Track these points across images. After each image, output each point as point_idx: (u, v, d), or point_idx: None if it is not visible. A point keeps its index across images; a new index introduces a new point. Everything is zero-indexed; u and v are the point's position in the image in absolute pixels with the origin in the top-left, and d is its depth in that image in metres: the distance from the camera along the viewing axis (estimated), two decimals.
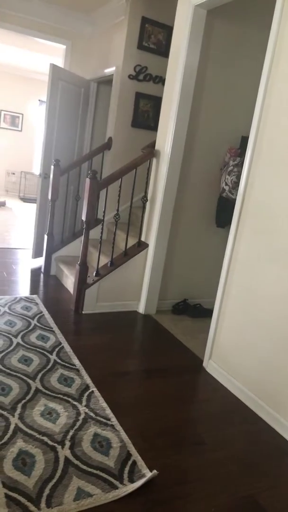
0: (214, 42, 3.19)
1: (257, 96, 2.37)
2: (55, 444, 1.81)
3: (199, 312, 3.62)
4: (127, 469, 1.74)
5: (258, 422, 2.26)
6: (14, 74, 8.59)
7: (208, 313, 3.52)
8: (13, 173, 9.12)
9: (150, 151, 3.33)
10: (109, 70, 4.27)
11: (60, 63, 4.90)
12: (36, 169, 9.12)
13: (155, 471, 1.74)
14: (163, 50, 4.14)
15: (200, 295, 3.80)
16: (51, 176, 4.02)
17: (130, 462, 1.78)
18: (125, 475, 1.70)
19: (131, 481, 1.68)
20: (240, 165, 3.20)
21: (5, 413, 1.97)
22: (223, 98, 3.36)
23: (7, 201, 8.09)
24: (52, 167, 4.00)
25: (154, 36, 4.09)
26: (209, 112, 3.35)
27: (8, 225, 6.21)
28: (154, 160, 3.36)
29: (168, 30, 4.08)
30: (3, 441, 1.78)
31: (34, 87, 8.79)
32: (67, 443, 1.83)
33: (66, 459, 1.74)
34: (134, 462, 1.78)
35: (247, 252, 2.44)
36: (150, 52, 4.12)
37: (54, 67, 4.07)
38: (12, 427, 1.88)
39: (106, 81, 4.62)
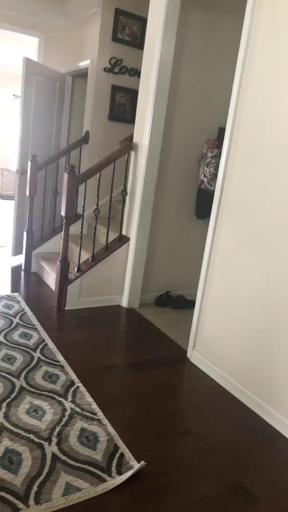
0: (189, 32, 3.19)
1: (233, 86, 2.38)
2: (42, 441, 1.80)
3: (181, 303, 3.64)
4: (115, 461, 1.75)
5: (242, 409, 2.30)
6: None
7: (191, 304, 3.55)
8: None
9: (128, 144, 3.31)
10: (84, 63, 4.22)
11: (34, 56, 4.81)
12: (13, 165, 8.97)
13: (142, 462, 1.75)
14: (138, 42, 4.11)
15: (182, 286, 3.83)
16: (29, 172, 3.97)
17: (117, 455, 1.79)
18: (113, 468, 1.71)
19: (119, 473, 1.69)
20: (218, 156, 3.22)
21: None
22: (199, 89, 3.37)
23: None
24: (29, 162, 3.95)
25: (128, 28, 4.06)
26: (186, 104, 3.35)
27: None
28: (132, 153, 3.35)
29: (142, 21, 4.05)
30: None
31: (7, 81, 8.60)
32: (54, 440, 1.82)
33: (54, 455, 1.73)
34: (122, 455, 1.79)
35: (227, 242, 2.46)
36: (125, 44, 4.08)
37: (27, 61, 4.00)
38: None
39: (81, 75, 4.57)
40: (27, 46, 5.11)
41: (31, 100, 4.15)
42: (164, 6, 2.94)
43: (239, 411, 2.27)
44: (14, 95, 8.73)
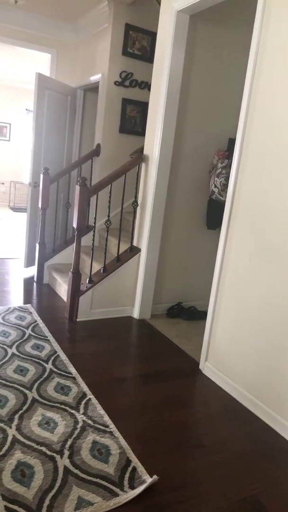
0: (198, 45, 3.22)
1: (242, 97, 2.39)
2: (54, 454, 1.80)
3: (193, 314, 3.62)
4: (127, 475, 1.73)
5: (256, 422, 2.26)
6: (0, 84, 8.58)
7: (203, 315, 3.52)
8: (3, 183, 9.09)
9: (139, 156, 3.34)
10: (95, 77, 4.29)
11: (46, 71, 4.91)
12: (26, 178, 9.10)
13: (155, 477, 1.73)
14: (147, 56, 4.16)
15: (194, 297, 3.81)
16: (41, 184, 4.02)
17: (130, 469, 1.77)
18: (126, 482, 1.69)
19: (132, 487, 1.67)
20: (228, 167, 3.22)
21: (2, 424, 1.95)
22: (209, 101, 3.39)
23: None
24: (42, 175, 4.00)
25: (138, 42, 4.12)
26: (196, 116, 3.37)
27: None
28: (143, 165, 3.38)
29: (152, 36, 4.11)
30: (1, 453, 1.77)
31: (21, 96, 8.78)
32: (66, 452, 1.82)
33: (66, 468, 1.73)
34: (134, 468, 1.77)
35: (239, 253, 2.45)
36: (135, 58, 4.14)
37: (40, 76, 4.08)
38: (9, 438, 1.86)
39: (92, 88, 4.64)
40: (40, 61, 5.22)
41: (43, 114, 4.22)
42: (173, 20, 2.98)
43: (252, 424, 2.24)
44: (27, 109, 8.90)
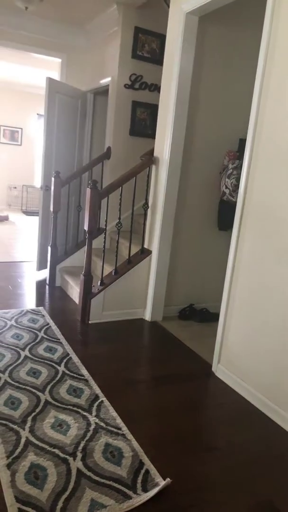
0: (208, 47, 3.22)
1: (253, 97, 2.38)
2: (67, 456, 1.80)
3: (205, 316, 3.60)
4: (140, 478, 1.72)
5: (270, 425, 2.23)
6: (12, 89, 8.68)
7: (215, 317, 3.50)
8: (15, 187, 9.18)
9: (149, 159, 3.34)
10: (105, 81, 4.31)
11: (56, 76, 4.95)
12: (37, 182, 9.18)
13: (168, 480, 1.72)
14: (157, 58, 4.17)
15: (206, 299, 3.79)
16: (52, 188, 4.05)
17: (143, 471, 1.76)
18: (139, 485, 1.69)
19: (145, 490, 1.66)
20: (239, 167, 3.20)
21: (15, 426, 1.96)
22: (219, 102, 3.38)
23: (9, 215, 8.13)
24: (53, 179, 4.03)
25: (147, 45, 4.13)
26: (206, 117, 3.36)
27: (11, 239, 6.24)
28: (154, 167, 3.37)
29: (161, 38, 4.11)
30: (14, 455, 1.78)
31: (32, 101, 8.87)
32: (79, 455, 1.82)
33: (78, 470, 1.73)
34: (147, 471, 1.77)
35: (251, 253, 2.43)
36: (145, 60, 4.15)
37: (50, 81, 4.12)
38: (23, 440, 1.87)
39: (102, 92, 4.66)
40: (50, 66, 5.26)
41: (54, 118, 4.25)
42: (182, 22, 2.98)
43: (267, 427, 2.21)
44: (38, 114, 8.99)
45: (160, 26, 4.06)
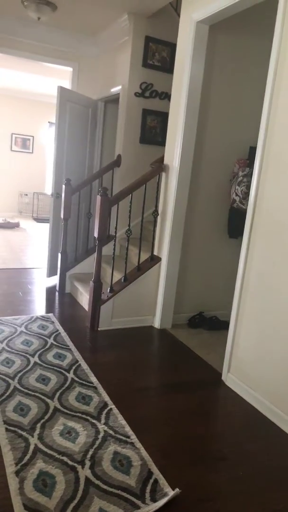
0: (218, 55, 3.23)
1: (263, 105, 2.38)
2: (75, 464, 1.79)
3: (215, 324, 3.58)
4: (148, 488, 1.71)
5: (281, 435, 2.20)
6: (24, 98, 8.80)
7: (225, 325, 3.48)
8: (26, 194, 9.27)
9: (159, 166, 3.36)
10: (116, 89, 4.34)
11: (67, 85, 5.01)
12: (48, 189, 9.26)
13: (177, 490, 1.70)
14: (167, 66, 4.20)
15: (216, 307, 3.77)
16: (63, 195, 4.08)
17: (151, 481, 1.75)
18: (147, 494, 1.67)
19: (154, 500, 1.65)
20: (249, 175, 3.20)
21: (24, 433, 1.97)
22: (229, 110, 3.38)
23: (20, 222, 8.21)
24: (64, 186, 4.06)
25: (158, 54, 4.16)
26: (216, 124, 3.37)
27: (22, 246, 6.29)
28: (163, 175, 3.38)
29: (171, 47, 4.14)
30: (23, 462, 1.77)
31: (43, 109, 8.98)
32: (87, 463, 1.81)
33: (87, 479, 1.72)
34: (156, 481, 1.75)
35: (262, 261, 2.42)
36: (155, 69, 4.18)
37: (62, 89, 4.17)
38: (31, 447, 1.87)
39: (113, 100, 4.70)
40: (62, 75, 5.33)
41: (65, 127, 4.29)
42: (192, 31, 3.00)
43: (278, 437, 2.18)
44: (49, 122, 9.09)
45: (170, 35, 4.09)
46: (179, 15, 3.28)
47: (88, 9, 3.93)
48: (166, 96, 4.26)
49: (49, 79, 6.50)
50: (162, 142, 4.30)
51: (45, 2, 3.77)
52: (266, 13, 3.23)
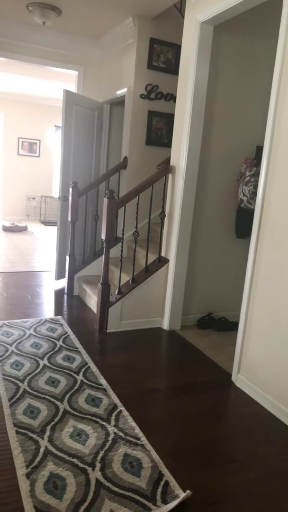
0: (223, 55, 3.22)
1: (269, 105, 2.37)
2: (86, 466, 1.79)
3: (224, 325, 3.56)
4: (159, 490, 1.70)
5: None
6: (30, 102, 8.86)
7: (234, 326, 3.46)
8: (33, 198, 9.32)
9: (166, 168, 3.35)
10: (121, 91, 4.36)
11: (73, 88, 5.04)
12: (55, 193, 9.30)
13: (188, 492, 1.69)
14: (172, 68, 4.20)
15: (224, 308, 3.75)
16: (70, 198, 4.09)
17: (162, 483, 1.74)
18: (158, 496, 1.66)
19: (165, 502, 1.64)
20: (256, 175, 3.18)
21: (34, 436, 1.97)
22: (235, 110, 3.37)
23: (28, 225, 8.25)
24: (71, 189, 4.08)
25: (163, 55, 4.17)
26: (222, 125, 3.36)
27: (30, 249, 6.32)
28: (170, 176, 3.38)
29: (176, 48, 4.14)
30: (33, 464, 1.78)
31: (49, 113, 9.03)
32: (98, 465, 1.81)
33: (97, 481, 1.72)
34: (167, 483, 1.74)
35: (270, 261, 2.40)
36: (160, 71, 4.19)
37: (67, 93, 4.19)
38: (42, 450, 1.87)
39: (118, 102, 4.72)
40: (67, 79, 5.36)
41: (72, 130, 4.31)
42: (197, 32, 3.00)
43: None
44: (56, 125, 9.14)
45: (175, 37, 4.10)
46: (183, 16, 3.28)
47: (92, 12, 3.95)
48: (172, 97, 4.26)
49: (55, 83, 6.53)
50: (168, 144, 4.30)
51: (50, 7, 3.80)
52: (270, 13, 3.22)
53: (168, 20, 4.09)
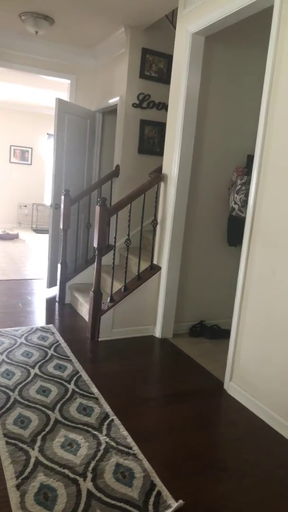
0: (215, 65, 3.26)
1: (260, 114, 2.40)
2: (77, 477, 1.77)
3: (216, 333, 3.56)
4: (151, 500, 1.68)
5: (285, 444, 2.18)
6: (23, 111, 8.87)
7: (226, 333, 3.46)
8: (25, 206, 9.29)
9: (158, 176, 3.37)
10: (113, 100, 4.38)
11: (65, 96, 5.06)
12: (47, 200, 9.29)
13: (181, 501, 1.68)
14: (164, 77, 4.24)
15: (217, 315, 3.75)
16: (62, 206, 4.09)
17: (154, 493, 1.72)
18: (150, 507, 1.65)
19: None
20: (247, 183, 3.21)
21: (25, 446, 1.94)
22: (226, 119, 3.41)
23: (20, 233, 8.21)
24: (63, 197, 4.07)
25: (155, 65, 4.21)
26: (214, 134, 3.39)
27: (22, 257, 6.29)
28: (162, 184, 3.40)
29: (168, 58, 4.19)
30: (24, 475, 1.75)
31: (42, 121, 9.05)
32: (89, 475, 1.78)
33: (89, 491, 1.69)
34: (159, 493, 1.72)
35: (261, 268, 2.41)
36: (152, 80, 4.22)
37: (60, 101, 4.20)
38: (32, 460, 1.85)
39: (111, 111, 4.74)
40: (60, 87, 5.38)
41: (64, 138, 4.32)
42: (188, 42, 3.04)
43: (282, 446, 2.16)
44: (48, 133, 9.15)
45: (167, 47, 4.14)
46: (175, 27, 3.32)
47: (85, 23, 3.98)
48: (164, 106, 4.30)
49: (47, 91, 6.56)
50: (160, 152, 4.33)
51: (42, 16, 3.82)
52: (260, 24, 3.27)
53: (160, 31, 4.14)
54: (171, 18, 4.05)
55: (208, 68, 3.24)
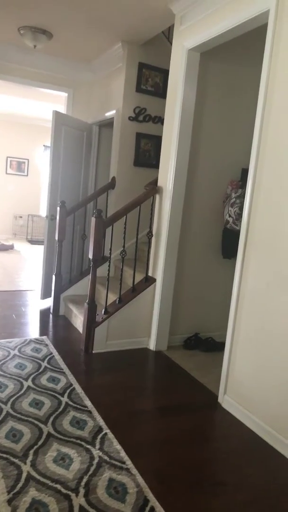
0: (210, 81, 3.32)
1: (254, 128, 2.43)
2: (69, 492, 1.74)
3: (211, 346, 3.55)
4: None
5: (279, 458, 2.16)
6: (20, 123, 8.93)
7: (221, 346, 3.45)
8: (20, 217, 9.29)
9: (153, 188, 3.39)
10: (110, 113, 4.43)
11: (62, 109, 5.10)
12: (43, 211, 9.30)
13: None
14: (160, 92, 4.30)
15: (211, 328, 3.75)
16: (58, 217, 4.09)
17: (148, 509, 1.70)
18: None
19: None
20: (242, 196, 3.24)
21: (16, 460, 1.91)
22: (221, 133, 3.45)
23: (15, 244, 8.20)
24: (58, 208, 4.08)
25: (151, 79, 4.27)
26: (209, 147, 3.43)
27: (17, 268, 6.27)
28: (157, 196, 3.42)
29: (164, 73, 4.25)
30: (15, 490, 1.72)
31: (38, 133, 9.10)
32: (82, 490, 1.76)
33: (81, 507, 1.67)
34: (152, 508, 1.70)
35: (256, 281, 2.42)
36: (148, 94, 4.28)
37: (57, 114, 4.24)
38: (24, 475, 1.82)
39: (107, 124, 4.79)
40: (57, 100, 5.43)
41: (60, 150, 4.35)
42: (184, 58, 3.09)
43: (276, 461, 2.14)
44: (44, 145, 9.21)
45: (163, 62, 4.21)
46: (171, 43, 3.38)
47: (82, 37, 4.04)
48: (159, 120, 4.35)
49: (44, 104, 6.61)
50: (155, 165, 4.36)
51: (41, 31, 3.88)
52: (255, 40, 3.34)
53: (156, 46, 4.21)
54: (167, 34, 4.13)
55: (204, 83, 3.29)
